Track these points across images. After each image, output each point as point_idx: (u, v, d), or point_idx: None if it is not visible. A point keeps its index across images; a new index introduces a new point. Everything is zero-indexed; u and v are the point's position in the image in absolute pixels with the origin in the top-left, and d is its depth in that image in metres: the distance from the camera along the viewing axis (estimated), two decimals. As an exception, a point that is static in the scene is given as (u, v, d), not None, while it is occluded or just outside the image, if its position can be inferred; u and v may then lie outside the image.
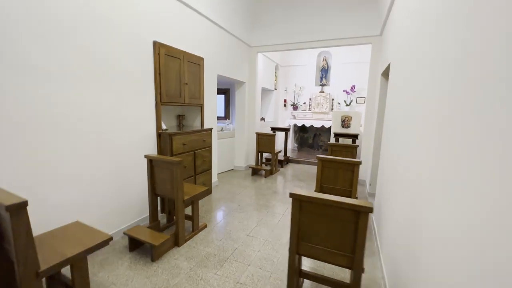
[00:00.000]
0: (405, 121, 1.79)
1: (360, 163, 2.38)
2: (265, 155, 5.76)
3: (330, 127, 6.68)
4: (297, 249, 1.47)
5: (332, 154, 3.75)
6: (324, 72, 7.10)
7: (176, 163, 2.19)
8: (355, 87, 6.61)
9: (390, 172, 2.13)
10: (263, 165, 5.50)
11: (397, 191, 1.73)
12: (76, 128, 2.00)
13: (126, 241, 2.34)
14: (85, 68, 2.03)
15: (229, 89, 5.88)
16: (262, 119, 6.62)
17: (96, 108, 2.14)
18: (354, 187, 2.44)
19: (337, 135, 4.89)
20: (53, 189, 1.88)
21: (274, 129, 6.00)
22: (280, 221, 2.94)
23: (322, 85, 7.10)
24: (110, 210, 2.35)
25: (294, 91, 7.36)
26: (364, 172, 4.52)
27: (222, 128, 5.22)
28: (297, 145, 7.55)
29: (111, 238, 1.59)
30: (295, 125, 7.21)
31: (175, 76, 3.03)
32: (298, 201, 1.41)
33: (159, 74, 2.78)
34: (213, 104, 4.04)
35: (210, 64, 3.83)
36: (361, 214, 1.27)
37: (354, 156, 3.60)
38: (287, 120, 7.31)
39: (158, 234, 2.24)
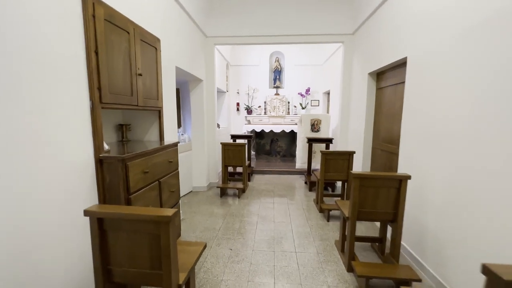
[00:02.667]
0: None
1: (409, 177, 1.88)
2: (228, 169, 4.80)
3: (290, 131, 6.33)
4: None
5: (326, 163, 3.23)
6: (277, 74, 6.70)
7: (166, 222, 1.10)
8: (310, 89, 6.48)
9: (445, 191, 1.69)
10: (229, 182, 4.55)
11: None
12: None
13: None
14: None
15: (179, 88, 4.64)
16: (217, 125, 5.62)
17: None
18: (401, 209, 1.92)
19: (311, 140, 4.47)
20: None
21: (234, 137, 5.13)
22: (300, 264, 2.15)
23: (276, 87, 6.69)
24: None
25: (248, 94, 6.66)
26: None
27: (175, 139, 3.99)
28: (254, 152, 6.86)
29: None
30: (252, 131, 6.51)
31: (123, 61, 1.82)
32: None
33: (96, 53, 1.55)
34: (173, 107, 2.88)
35: (167, 50, 2.68)
36: None
37: (351, 164, 3.19)
38: (243, 125, 6.52)
39: None
